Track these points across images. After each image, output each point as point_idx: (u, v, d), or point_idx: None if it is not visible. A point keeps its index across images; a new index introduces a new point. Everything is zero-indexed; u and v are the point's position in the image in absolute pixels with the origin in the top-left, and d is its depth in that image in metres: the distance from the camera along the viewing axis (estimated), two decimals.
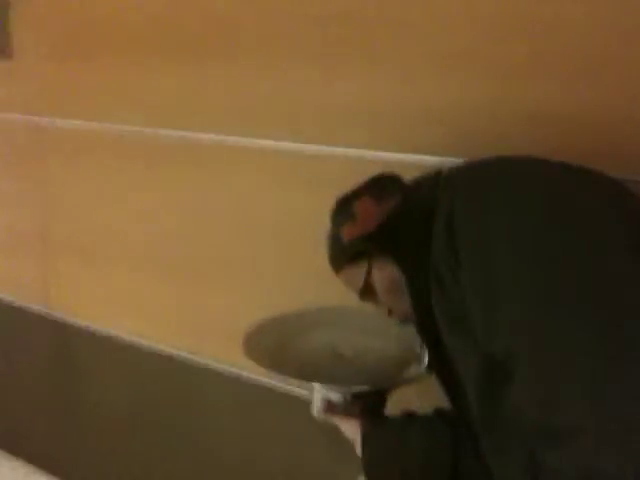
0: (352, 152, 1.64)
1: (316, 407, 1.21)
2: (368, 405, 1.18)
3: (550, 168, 1.07)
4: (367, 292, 1.19)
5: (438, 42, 1.49)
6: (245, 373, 1.90)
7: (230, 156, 1.85)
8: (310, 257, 1.46)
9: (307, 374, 1.20)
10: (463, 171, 1.11)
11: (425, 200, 1.07)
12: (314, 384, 1.18)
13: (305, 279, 1.73)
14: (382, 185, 1.20)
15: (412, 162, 1.53)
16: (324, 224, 1.25)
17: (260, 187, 1.82)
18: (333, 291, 1.29)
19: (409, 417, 1.11)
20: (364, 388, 1.16)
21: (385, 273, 1.15)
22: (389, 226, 1.12)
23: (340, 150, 1.66)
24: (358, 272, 1.18)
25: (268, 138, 1.76)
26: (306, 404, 1.22)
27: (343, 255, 1.19)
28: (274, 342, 1.30)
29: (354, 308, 1.35)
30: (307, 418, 1.21)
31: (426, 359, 1.19)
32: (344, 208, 1.21)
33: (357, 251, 1.16)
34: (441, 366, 1.04)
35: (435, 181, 1.10)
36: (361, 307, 1.30)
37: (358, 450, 1.11)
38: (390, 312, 1.22)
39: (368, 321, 1.35)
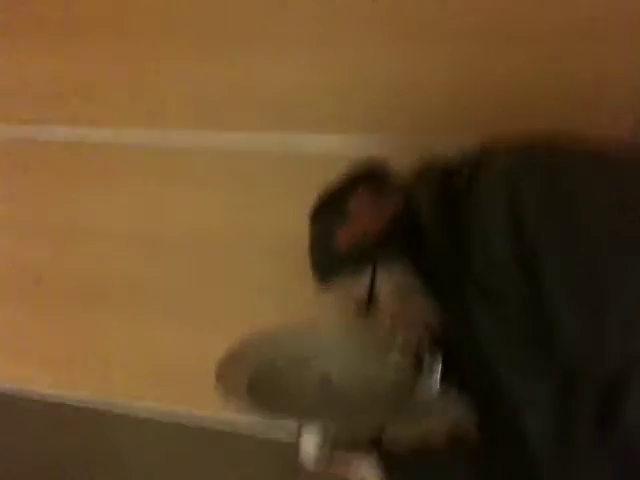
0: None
1: (313, 454, 0.99)
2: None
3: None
4: (368, 302, 1.00)
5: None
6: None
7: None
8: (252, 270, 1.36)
9: (294, 412, 0.98)
10: (502, 160, 0.91)
11: (439, 195, 0.93)
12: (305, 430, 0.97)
13: (251, 298, 1.50)
14: (377, 177, 1.02)
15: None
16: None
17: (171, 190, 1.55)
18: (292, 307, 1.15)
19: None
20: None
21: (393, 279, 0.98)
22: (399, 226, 0.96)
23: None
24: (359, 280, 0.99)
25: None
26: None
27: (343, 261, 0.98)
28: (252, 377, 1.06)
29: (334, 324, 1.14)
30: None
31: (437, 375, 1.01)
32: (336, 205, 1.00)
33: (363, 256, 0.97)
34: (473, 381, 0.92)
35: (443, 175, 0.96)
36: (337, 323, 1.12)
37: None
38: (390, 324, 1.03)
39: (353, 335, 1.13)
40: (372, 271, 0.97)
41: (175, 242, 1.53)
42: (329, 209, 1.00)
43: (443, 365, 1.01)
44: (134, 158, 1.51)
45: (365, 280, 0.97)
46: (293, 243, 1.28)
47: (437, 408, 1.00)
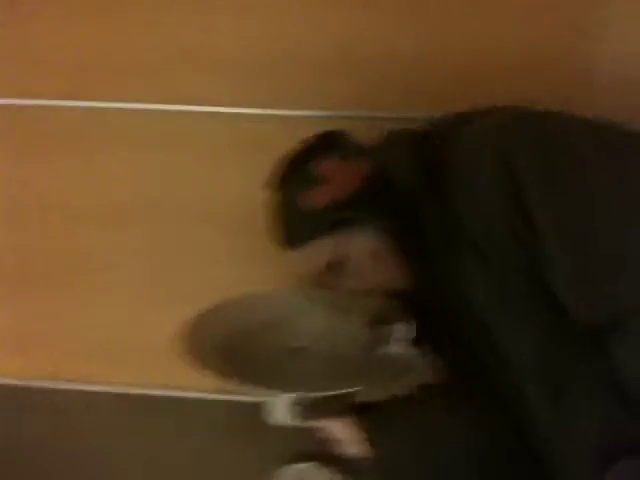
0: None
1: (280, 414, 0.99)
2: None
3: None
4: (338, 267, 1.00)
5: None
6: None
7: None
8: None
9: (265, 378, 0.96)
10: (489, 118, 0.91)
11: (409, 158, 0.95)
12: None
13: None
14: (342, 142, 1.01)
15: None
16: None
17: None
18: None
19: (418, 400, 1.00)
20: (350, 389, 0.93)
21: (366, 241, 0.97)
22: (372, 188, 0.96)
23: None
24: (329, 244, 0.98)
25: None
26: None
27: (314, 225, 0.97)
28: (216, 341, 1.04)
29: (299, 290, 1.13)
30: None
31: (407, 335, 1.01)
32: (302, 170, 0.99)
33: (337, 218, 0.96)
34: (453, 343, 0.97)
35: (411, 139, 0.98)
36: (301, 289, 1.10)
37: (360, 448, 0.99)
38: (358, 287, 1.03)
39: (321, 302, 1.12)
40: (345, 233, 0.96)
41: (123, 213, 1.46)
42: (298, 173, 0.98)
43: (414, 326, 1.02)
44: (75, 125, 1.44)
45: (337, 242, 0.97)
46: (248, 211, 1.29)
47: (407, 366, 1.00)
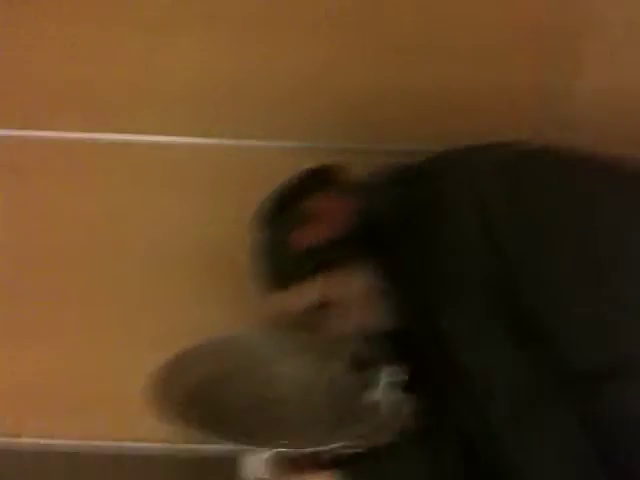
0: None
1: (257, 471, 0.91)
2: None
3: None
4: (326, 308, 0.96)
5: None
6: None
7: None
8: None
9: (242, 432, 0.89)
10: (461, 163, 0.91)
11: (400, 197, 0.92)
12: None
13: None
14: (330, 179, 0.99)
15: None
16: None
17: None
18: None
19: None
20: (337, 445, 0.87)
21: (356, 281, 0.94)
22: (363, 228, 0.93)
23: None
24: (319, 284, 0.95)
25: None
26: None
27: (302, 265, 0.94)
28: (188, 390, 0.96)
29: (277, 332, 1.07)
30: None
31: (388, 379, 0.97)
32: (291, 208, 0.96)
33: (326, 259, 0.93)
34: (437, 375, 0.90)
35: (404, 177, 0.95)
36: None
37: None
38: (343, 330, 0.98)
39: (301, 345, 1.06)
40: (332, 273, 0.93)
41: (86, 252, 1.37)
42: (284, 212, 0.96)
43: (403, 369, 0.98)
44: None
45: (325, 284, 0.94)
46: (218, 247, 1.27)
47: (394, 412, 0.95)
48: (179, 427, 0.89)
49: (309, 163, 1.03)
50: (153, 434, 1.37)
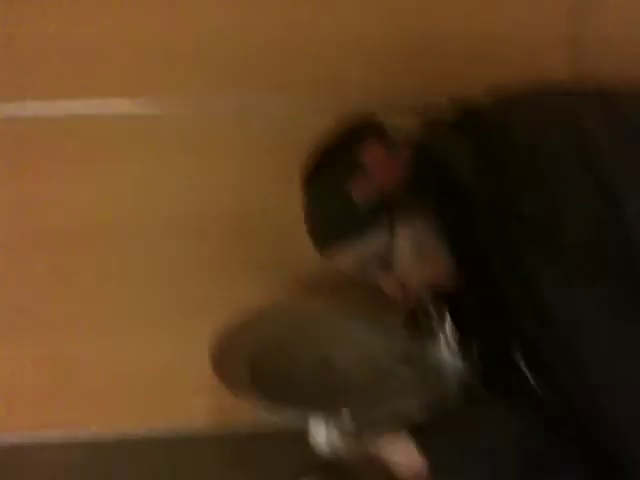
0: None
1: (330, 440, 0.91)
2: None
3: None
4: (383, 262, 0.92)
5: None
6: None
7: None
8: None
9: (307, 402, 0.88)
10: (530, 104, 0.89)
11: (461, 144, 0.88)
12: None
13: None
14: (378, 129, 0.94)
15: None
16: None
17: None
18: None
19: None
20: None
21: (412, 233, 0.90)
22: (420, 177, 0.89)
23: None
24: (374, 240, 0.90)
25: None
26: None
27: (359, 218, 0.90)
28: (246, 361, 0.95)
29: (328, 302, 1.06)
30: None
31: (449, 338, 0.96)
32: (344, 159, 0.91)
33: (383, 210, 0.89)
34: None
35: (451, 126, 0.93)
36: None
37: (414, 465, 0.89)
38: (402, 288, 0.95)
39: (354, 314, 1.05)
40: (390, 230, 0.89)
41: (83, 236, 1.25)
42: (337, 163, 0.90)
43: (455, 325, 0.96)
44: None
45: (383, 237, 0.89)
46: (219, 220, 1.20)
47: (449, 369, 0.95)
48: (242, 399, 0.86)
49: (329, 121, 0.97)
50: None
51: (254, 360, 0.95)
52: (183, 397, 1.27)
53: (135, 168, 1.21)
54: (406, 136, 0.94)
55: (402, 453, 0.89)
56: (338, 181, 0.89)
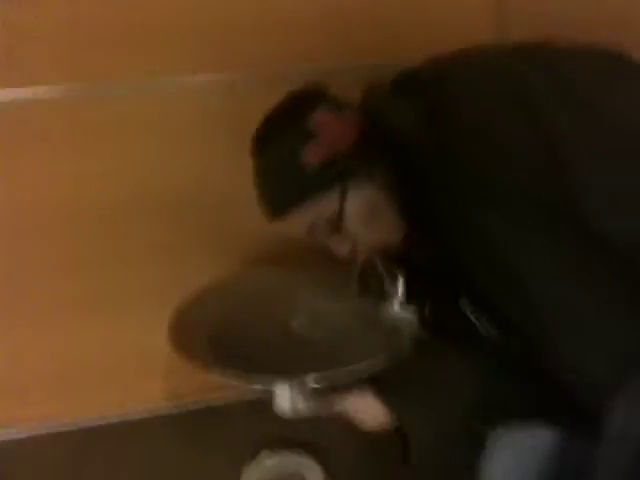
0: None
1: (292, 403, 0.92)
2: None
3: None
4: (334, 225, 0.94)
5: None
6: None
7: None
8: None
9: (269, 366, 0.90)
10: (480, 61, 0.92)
11: (407, 104, 0.91)
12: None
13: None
14: (328, 95, 0.96)
15: None
16: None
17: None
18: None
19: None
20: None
21: (363, 194, 0.93)
22: (370, 139, 0.91)
23: None
24: (326, 202, 0.92)
25: None
26: None
27: (311, 182, 0.91)
28: (208, 332, 0.95)
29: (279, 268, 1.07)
30: None
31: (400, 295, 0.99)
32: (295, 124, 0.92)
33: (335, 173, 0.91)
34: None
35: (395, 87, 0.96)
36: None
37: (384, 419, 0.92)
38: (352, 250, 0.97)
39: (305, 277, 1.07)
40: (341, 192, 0.91)
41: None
42: (288, 129, 0.91)
43: (406, 281, 0.99)
44: None
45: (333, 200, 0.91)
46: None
47: (408, 325, 0.98)
48: (202, 370, 0.87)
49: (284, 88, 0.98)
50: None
51: (213, 333, 0.96)
52: (141, 380, 1.28)
53: (92, 151, 1.20)
54: (350, 101, 0.96)
55: (367, 409, 0.92)
56: (289, 146, 0.91)
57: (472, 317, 0.95)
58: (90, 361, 1.27)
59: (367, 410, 0.92)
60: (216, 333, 0.96)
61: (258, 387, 0.88)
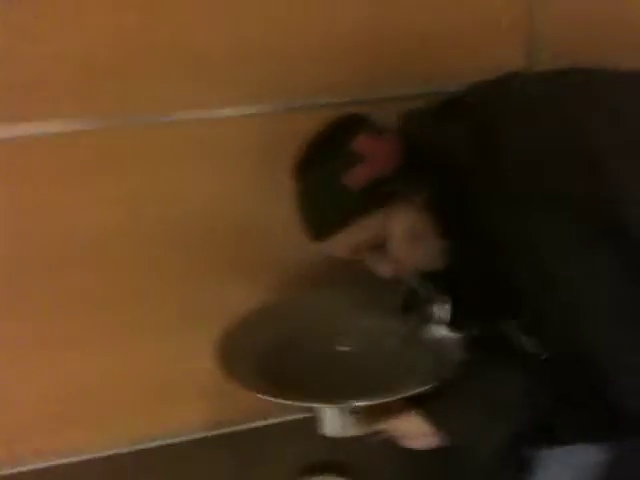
0: None
1: (337, 426, 0.94)
2: None
3: None
4: (377, 247, 0.95)
5: None
6: None
7: None
8: None
9: (315, 391, 0.91)
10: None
11: (445, 126, 0.93)
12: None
13: None
14: (369, 121, 0.98)
15: None
16: None
17: None
18: None
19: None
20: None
21: (407, 216, 0.94)
22: (413, 162, 0.93)
23: None
24: (370, 224, 0.93)
25: None
26: None
27: (355, 204, 0.92)
28: (253, 359, 0.97)
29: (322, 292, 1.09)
30: None
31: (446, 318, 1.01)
32: (337, 149, 0.93)
33: (379, 196, 0.92)
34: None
35: (437, 112, 0.97)
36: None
37: (431, 439, 0.94)
38: (396, 268, 0.98)
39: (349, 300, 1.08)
40: (385, 215, 0.92)
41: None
42: (331, 153, 0.93)
43: (449, 305, 1.00)
44: None
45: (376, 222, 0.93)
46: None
47: (452, 347, 0.99)
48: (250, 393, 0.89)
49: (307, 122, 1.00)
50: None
51: (261, 356, 0.98)
52: (180, 405, 1.30)
53: (116, 181, 1.21)
54: (391, 126, 0.98)
55: (413, 429, 0.93)
56: (333, 169, 0.92)
57: (519, 337, 0.96)
58: (132, 387, 1.29)
59: (414, 430, 0.93)
60: (264, 356, 0.98)
61: (309, 408, 0.90)
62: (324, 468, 1.36)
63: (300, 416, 1.25)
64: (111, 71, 1.16)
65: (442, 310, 1.01)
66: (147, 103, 1.18)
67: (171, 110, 1.19)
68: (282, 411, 1.31)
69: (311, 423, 0.98)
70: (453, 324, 1.01)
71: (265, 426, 1.34)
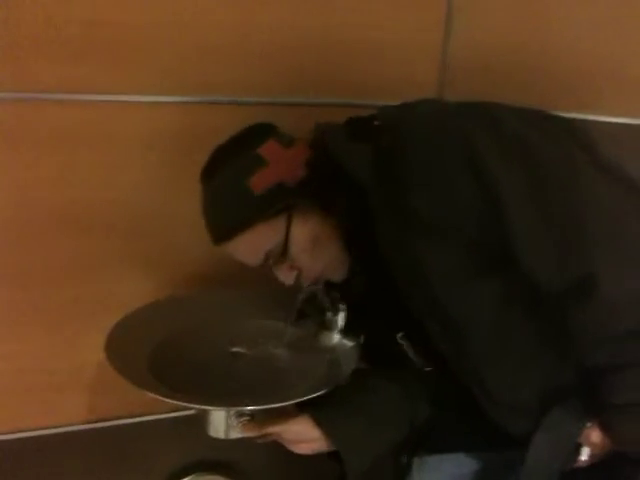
0: None
1: (225, 428, 0.94)
2: None
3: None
4: (278, 253, 0.96)
5: None
6: None
7: None
8: None
9: (206, 391, 0.91)
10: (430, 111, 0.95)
11: (354, 145, 0.94)
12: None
13: None
14: (276, 132, 0.98)
15: None
16: None
17: None
18: None
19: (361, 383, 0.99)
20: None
21: (309, 225, 0.95)
22: (318, 175, 0.95)
23: None
24: (271, 229, 0.94)
25: None
26: None
27: (255, 208, 0.93)
28: (145, 353, 0.95)
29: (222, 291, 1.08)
30: None
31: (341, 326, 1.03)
32: (244, 153, 0.94)
33: (279, 201, 0.93)
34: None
35: (349, 130, 0.98)
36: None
37: (320, 444, 0.95)
38: (298, 276, 0.99)
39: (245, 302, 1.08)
40: (287, 217, 0.93)
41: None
42: (237, 157, 0.93)
43: (345, 314, 1.02)
44: None
45: (280, 228, 0.93)
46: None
47: (346, 355, 1.01)
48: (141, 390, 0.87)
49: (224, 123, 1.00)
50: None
51: (151, 354, 0.96)
52: (68, 395, 1.26)
53: (26, 162, 1.15)
54: (300, 136, 0.99)
55: (302, 434, 0.93)
56: (236, 172, 0.93)
57: (407, 349, 0.99)
58: (19, 375, 1.23)
59: (302, 434, 0.94)
60: (156, 352, 0.96)
61: (195, 409, 0.89)
62: (206, 466, 1.36)
63: (189, 413, 1.23)
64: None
65: (338, 317, 1.02)
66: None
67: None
68: (170, 407, 1.29)
69: (200, 421, 0.97)
70: (348, 332, 1.03)
71: (150, 421, 1.32)
